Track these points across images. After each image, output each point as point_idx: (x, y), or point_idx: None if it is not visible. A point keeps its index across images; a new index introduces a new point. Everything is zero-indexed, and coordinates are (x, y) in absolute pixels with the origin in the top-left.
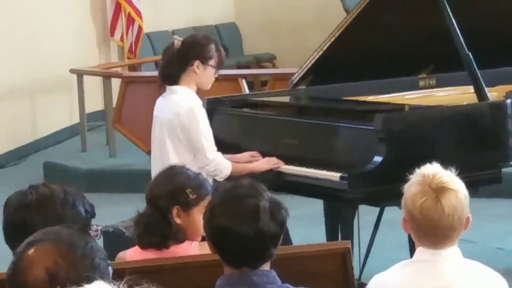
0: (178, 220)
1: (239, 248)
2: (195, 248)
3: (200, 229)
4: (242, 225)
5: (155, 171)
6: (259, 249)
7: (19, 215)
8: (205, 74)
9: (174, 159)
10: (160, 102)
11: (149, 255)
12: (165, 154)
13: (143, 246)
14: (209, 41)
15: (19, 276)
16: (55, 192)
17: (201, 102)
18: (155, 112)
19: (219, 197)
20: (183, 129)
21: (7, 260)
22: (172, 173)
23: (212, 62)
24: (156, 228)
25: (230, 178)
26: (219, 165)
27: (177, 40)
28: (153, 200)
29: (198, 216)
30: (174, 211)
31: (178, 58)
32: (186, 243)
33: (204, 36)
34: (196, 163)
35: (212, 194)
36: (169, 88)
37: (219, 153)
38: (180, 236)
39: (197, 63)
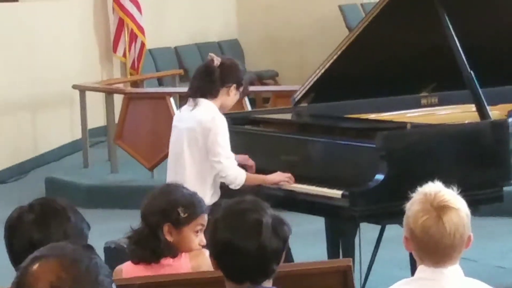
0: (169, 238)
1: (240, 263)
2: (185, 259)
3: (192, 247)
4: (244, 239)
5: (169, 178)
6: (261, 265)
7: (36, 232)
8: (234, 98)
9: (190, 169)
10: (180, 113)
11: (141, 269)
12: (181, 164)
13: (134, 261)
14: (242, 68)
15: None
16: (67, 209)
17: (223, 116)
18: (174, 123)
19: (222, 211)
20: (204, 135)
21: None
22: (166, 190)
23: (242, 88)
24: (146, 244)
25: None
26: (232, 172)
27: (217, 59)
28: (145, 216)
29: (189, 234)
30: (165, 228)
31: (216, 77)
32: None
33: (238, 63)
34: (211, 172)
35: (216, 210)
36: (193, 100)
37: (235, 162)
38: (170, 252)
39: (234, 86)
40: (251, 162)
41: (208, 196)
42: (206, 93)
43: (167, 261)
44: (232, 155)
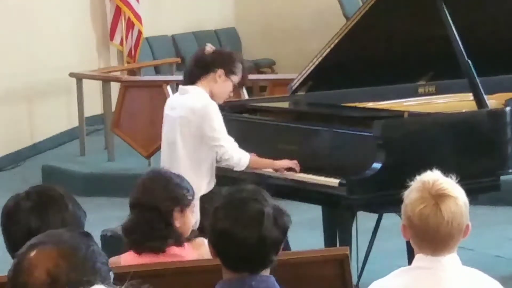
0: (177, 222)
1: (240, 252)
2: (189, 248)
3: (190, 228)
4: (245, 229)
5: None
6: (260, 255)
7: (34, 219)
8: (223, 85)
9: (184, 158)
10: (171, 101)
11: (145, 259)
12: (175, 154)
13: (141, 251)
14: (239, 59)
15: (20, 277)
16: (64, 197)
17: (214, 102)
18: (165, 111)
19: (223, 200)
20: (197, 124)
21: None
22: (164, 176)
23: (234, 77)
24: (157, 232)
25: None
26: (236, 153)
27: (209, 47)
28: (152, 205)
29: (189, 215)
30: (176, 213)
31: (205, 61)
32: None
33: (238, 54)
34: (206, 160)
35: (216, 198)
36: (182, 88)
37: (236, 144)
38: (178, 238)
39: (220, 71)
40: None
41: (205, 184)
42: (194, 78)
43: (172, 250)
44: (231, 138)
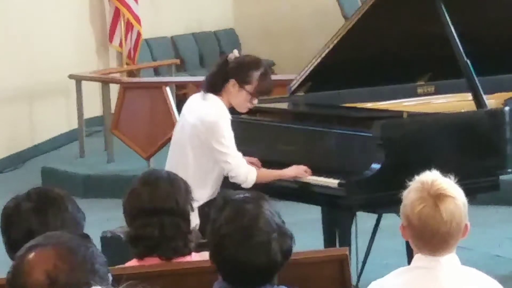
0: None
1: (244, 276)
2: (195, 258)
3: None
4: (252, 259)
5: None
6: (264, 277)
7: (34, 221)
8: (238, 96)
9: (193, 164)
10: (192, 102)
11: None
12: (184, 158)
13: (168, 257)
14: (255, 67)
15: (19, 279)
16: (64, 198)
17: (228, 115)
18: (183, 110)
19: (227, 226)
20: (206, 137)
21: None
22: (171, 178)
23: (248, 87)
24: (182, 235)
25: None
26: (242, 170)
27: (233, 54)
28: (175, 209)
29: None
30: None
31: (223, 71)
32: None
33: (255, 60)
34: (213, 172)
35: (217, 212)
36: (204, 94)
37: (243, 160)
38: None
39: (233, 82)
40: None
41: (207, 194)
42: (211, 87)
43: (181, 258)
44: (239, 153)
